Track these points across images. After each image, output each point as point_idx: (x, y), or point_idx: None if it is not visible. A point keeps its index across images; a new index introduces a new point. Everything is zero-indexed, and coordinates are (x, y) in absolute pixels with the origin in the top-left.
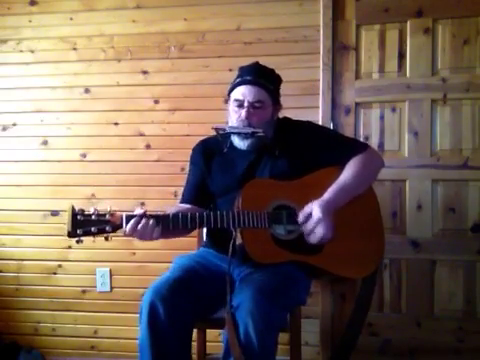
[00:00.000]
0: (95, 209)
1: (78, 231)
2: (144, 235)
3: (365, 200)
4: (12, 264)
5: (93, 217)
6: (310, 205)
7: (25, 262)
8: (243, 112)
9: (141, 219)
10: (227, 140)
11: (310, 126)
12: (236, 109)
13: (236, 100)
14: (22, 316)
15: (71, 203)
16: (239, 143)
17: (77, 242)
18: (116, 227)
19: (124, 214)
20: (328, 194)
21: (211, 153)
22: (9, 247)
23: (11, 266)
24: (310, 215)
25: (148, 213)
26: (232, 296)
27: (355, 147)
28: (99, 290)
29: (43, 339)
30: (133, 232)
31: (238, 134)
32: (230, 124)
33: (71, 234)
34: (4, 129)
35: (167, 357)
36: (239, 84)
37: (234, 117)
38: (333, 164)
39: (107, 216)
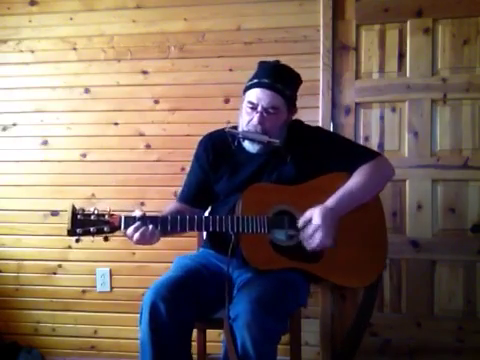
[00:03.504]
0: (95, 208)
1: (77, 230)
2: (142, 240)
3: (369, 208)
4: (12, 264)
5: (92, 217)
6: (311, 210)
7: (25, 262)
8: (255, 117)
9: (141, 225)
10: (235, 140)
11: (320, 132)
12: (249, 111)
13: (250, 102)
14: (22, 316)
15: (72, 202)
16: (249, 146)
17: (76, 241)
18: (114, 228)
19: (122, 215)
20: (331, 200)
21: (218, 151)
22: (9, 247)
23: (11, 266)
24: (310, 221)
25: (146, 214)
26: (230, 306)
27: (365, 154)
28: (99, 290)
29: (43, 339)
30: (132, 237)
31: (252, 140)
32: (241, 123)
33: (71, 233)
34: (4, 129)
35: (168, 356)
36: (255, 86)
37: (246, 118)
38: (341, 171)
39: (106, 217)
